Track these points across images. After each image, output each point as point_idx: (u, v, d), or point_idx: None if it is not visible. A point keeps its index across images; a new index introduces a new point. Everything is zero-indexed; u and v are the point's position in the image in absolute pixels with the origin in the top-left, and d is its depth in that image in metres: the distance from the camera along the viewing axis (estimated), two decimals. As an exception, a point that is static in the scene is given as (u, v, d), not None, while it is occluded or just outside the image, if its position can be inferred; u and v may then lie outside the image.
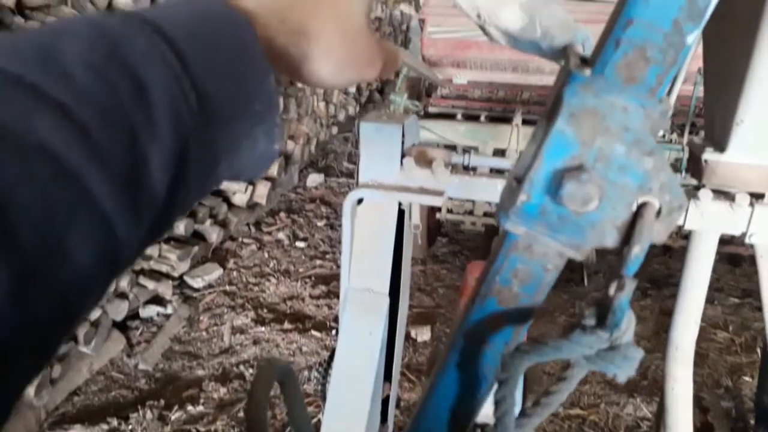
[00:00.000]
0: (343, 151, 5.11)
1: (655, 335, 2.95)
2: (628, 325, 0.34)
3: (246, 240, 3.51)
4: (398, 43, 6.02)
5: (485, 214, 3.31)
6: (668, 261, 3.57)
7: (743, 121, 1.03)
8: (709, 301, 3.23)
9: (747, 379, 2.66)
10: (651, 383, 2.62)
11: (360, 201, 1.17)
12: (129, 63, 0.27)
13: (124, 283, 2.57)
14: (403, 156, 1.15)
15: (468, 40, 3.32)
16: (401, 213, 1.17)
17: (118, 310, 2.56)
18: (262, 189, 3.63)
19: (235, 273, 3.20)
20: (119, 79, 0.27)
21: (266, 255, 3.41)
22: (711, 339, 2.94)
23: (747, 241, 1.08)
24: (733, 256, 3.44)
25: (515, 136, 3.00)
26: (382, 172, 1.15)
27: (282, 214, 3.86)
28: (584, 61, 0.33)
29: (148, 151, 0.27)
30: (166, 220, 0.31)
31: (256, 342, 2.69)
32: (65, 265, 0.24)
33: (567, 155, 0.31)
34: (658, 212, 0.31)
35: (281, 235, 3.61)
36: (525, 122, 3.02)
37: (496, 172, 2.00)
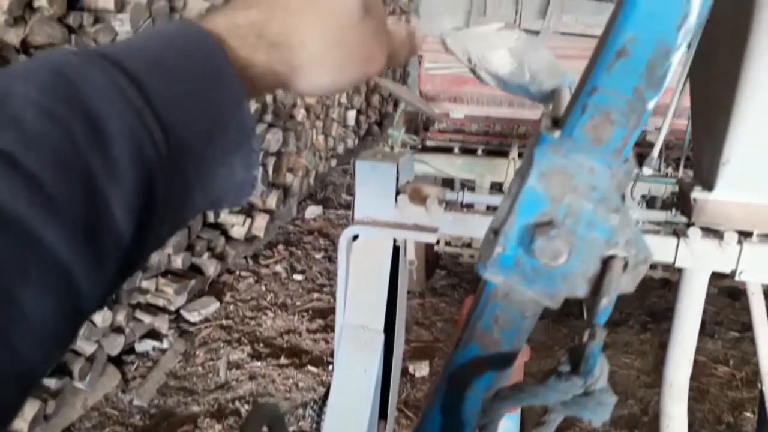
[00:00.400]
0: (342, 183, 5.15)
1: (655, 370, 2.93)
2: (601, 372, 0.35)
3: (243, 273, 3.52)
4: (396, 79, 6.13)
5: (483, 247, 3.31)
6: (667, 294, 3.56)
7: (729, 160, 1.06)
8: (709, 335, 3.22)
9: (748, 414, 2.63)
10: (652, 419, 2.59)
11: (355, 237, 1.19)
12: (85, 102, 0.27)
13: (120, 317, 2.57)
14: (397, 193, 1.17)
15: (464, 76, 3.37)
16: (396, 249, 1.19)
17: (114, 345, 2.55)
18: (261, 221, 3.65)
19: (231, 306, 3.19)
20: (74, 119, 0.26)
21: (263, 288, 3.41)
22: (711, 374, 2.92)
23: (737, 278, 1.10)
24: (732, 289, 3.44)
25: (512, 170, 3.03)
26: (377, 209, 1.17)
27: (280, 247, 3.87)
28: (554, 123, 0.35)
29: (108, 192, 0.26)
30: (138, 257, 0.29)
31: (252, 377, 2.67)
32: (18, 322, 0.23)
33: (538, 211, 0.33)
34: (625, 265, 0.33)
35: (279, 268, 3.62)
36: (521, 156, 3.06)
37: (493, 209, 2.02)
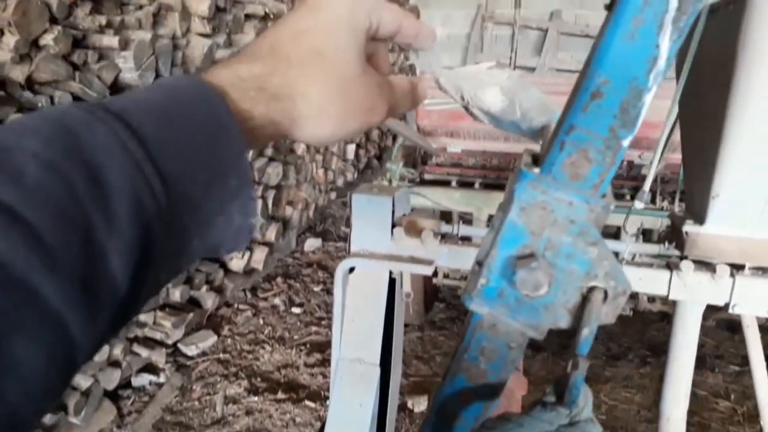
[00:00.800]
0: (341, 216, 5.17)
1: (656, 404, 2.89)
2: (585, 402, 0.36)
3: (242, 306, 3.50)
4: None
5: (481, 280, 3.32)
6: (666, 327, 3.54)
7: (719, 195, 1.08)
8: (710, 368, 3.20)
9: (751, 450, 2.60)
10: (653, 455, 2.55)
11: (352, 270, 1.20)
12: (86, 155, 0.27)
13: (117, 351, 2.55)
14: (393, 226, 1.19)
15: (461, 112, 3.41)
16: (392, 281, 1.20)
17: (111, 379, 2.53)
18: (260, 254, 3.66)
19: (229, 340, 3.17)
20: (75, 173, 0.27)
21: (261, 321, 3.39)
22: (713, 409, 2.88)
23: (731, 311, 1.10)
24: (731, 322, 3.42)
25: (509, 203, 3.06)
26: (373, 241, 1.18)
27: (279, 279, 3.87)
28: (534, 160, 0.36)
29: (106, 244, 0.27)
30: (133, 306, 0.30)
31: (249, 412, 2.64)
32: (8, 370, 0.23)
33: (519, 244, 0.34)
34: (605, 297, 0.34)
35: (277, 301, 3.61)
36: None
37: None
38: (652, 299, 3.17)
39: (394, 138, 5.59)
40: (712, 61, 1.04)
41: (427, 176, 3.53)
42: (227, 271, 3.43)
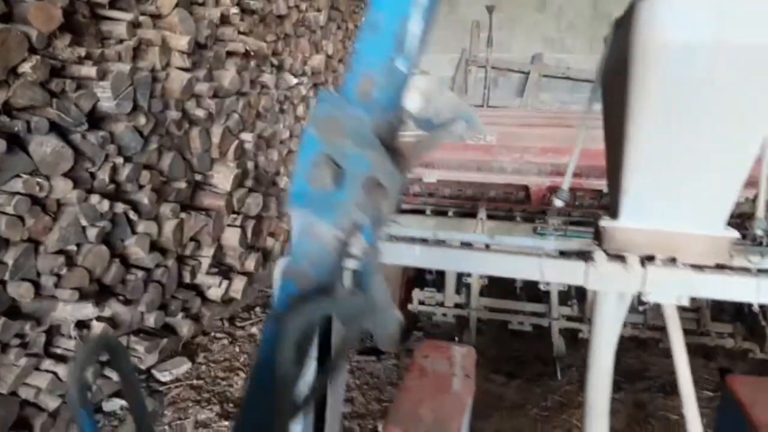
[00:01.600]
0: (325, 251, 5.22)
1: (628, 427, 2.90)
2: (379, 289, 0.43)
3: (218, 334, 3.52)
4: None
5: (456, 306, 3.38)
6: (642, 355, 3.57)
7: (628, 191, 1.16)
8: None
9: (722, 472, 2.59)
10: (622, 475, 2.55)
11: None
12: None
13: (88, 374, 2.56)
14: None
15: (435, 142, 3.55)
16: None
17: (80, 402, 2.53)
18: (239, 284, 3.69)
19: (204, 367, 3.18)
20: None
21: (237, 349, 3.41)
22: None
23: (644, 299, 1.16)
24: (707, 348, 3.45)
25: (480, 229, 3.13)
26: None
27: (257, 309, 3.90)
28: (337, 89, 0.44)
29: None
30: None
31: (216, 436, 2.63)
32: None
33: (316, 151, 0.42)
34: (384, 193, 0.41)
35: (254, 330, 3.63)
36: (489, 216, 3.18)
37: (420, 240, 2.10)
38: (625, 324, 3.20)
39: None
40: (617, 75, 1.14)
41: (404, 206, 3.62)
42: (205, 300, 3.46)
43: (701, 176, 1.07)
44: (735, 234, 1.14)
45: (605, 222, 1.20)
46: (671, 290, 1.14)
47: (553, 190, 3.37)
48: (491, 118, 3.58)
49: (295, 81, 4.43)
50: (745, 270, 1.15)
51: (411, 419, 1.56)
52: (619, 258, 1.13)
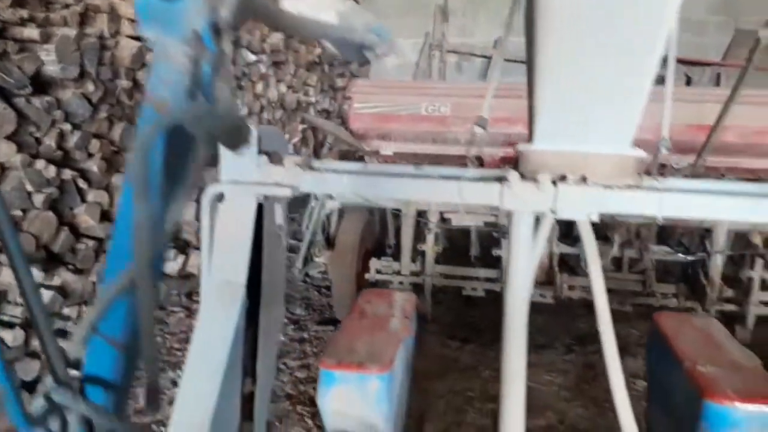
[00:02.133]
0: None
1: (576, 386, 3.00)
2: (222, 94, 0.46)
3: (174, 308, 3.51)
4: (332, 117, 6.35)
5: (412, 273, 3.43)
6: (593, 320, 3.67)
7: (540, 113, 1.21)
8: (632, 355, 3.32)
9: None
10: (568, 428, 2.63)
11: (221, 198, 1.27)
12: None
13: (36, 342, 2.54)
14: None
15: (390, 115, 3.59)
16: (260, 207, 1.27)
17: (28, 371, 2.51)
18: (196, 259, 3.68)
19: (158, 339, 3.17)
20: None
21: (194, 322, 3.40)
22: (630, 388, 2.98)
23: (556, 217, 1.22)
24: (652, 308, 3.57)
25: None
26: (240, 170, 1.26)
27: (216, 285, 3.89)
28: None
29: None
30: None
31: (170, 403, 2.63)
32: None
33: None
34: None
35: (213, 304, 3.63)
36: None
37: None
38: (571, 287, 3.30)
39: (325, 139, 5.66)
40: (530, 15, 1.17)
41: (361, 180, 3.65)
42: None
43: (604, 95, 1.12)
44: (642, 153, 1.20)
45: (522, 146, 1.24)
46: (582, 207, 1.19)
47: (507, 160, 3.45)
48: (446, 90, 3.62)
49: (253, 58, 4.42)
50: (653, 189, 1.21)
51: (346, 352, 1.60)
52: (532, 179, 1.18)
